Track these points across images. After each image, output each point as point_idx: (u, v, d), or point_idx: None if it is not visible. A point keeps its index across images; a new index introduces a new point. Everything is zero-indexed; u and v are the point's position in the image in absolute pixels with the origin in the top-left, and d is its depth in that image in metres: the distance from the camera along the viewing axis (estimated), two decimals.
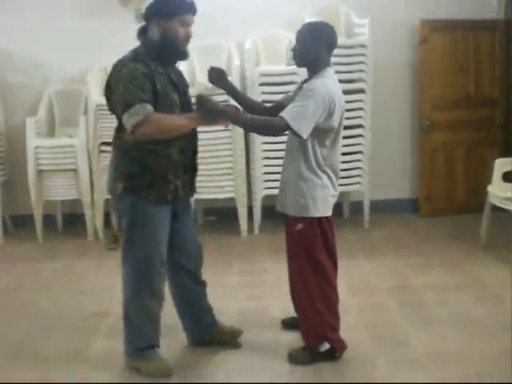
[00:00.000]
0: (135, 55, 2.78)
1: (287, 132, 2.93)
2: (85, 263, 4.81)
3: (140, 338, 3.03)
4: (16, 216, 5.70)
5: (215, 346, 3.27)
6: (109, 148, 5.06)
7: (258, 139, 5.15)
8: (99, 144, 5.16)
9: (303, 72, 4.89)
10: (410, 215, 5.79)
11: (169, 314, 3.64)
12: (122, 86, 2.67)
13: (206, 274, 4.31)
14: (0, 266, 4.82)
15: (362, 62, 5.17)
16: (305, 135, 2.79)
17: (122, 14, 5.41)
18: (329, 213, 3.01)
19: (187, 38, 2.82)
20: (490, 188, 4.68)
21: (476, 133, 5.67)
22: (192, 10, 2.78)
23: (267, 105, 3.39)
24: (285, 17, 5.42)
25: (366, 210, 5.49)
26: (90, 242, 5.35)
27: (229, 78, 3.23)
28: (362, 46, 5.15)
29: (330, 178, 2.96)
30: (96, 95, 5.17)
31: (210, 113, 2.76)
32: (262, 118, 2.92)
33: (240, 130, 5.12)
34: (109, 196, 5.12)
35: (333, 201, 3.04)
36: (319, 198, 2.93)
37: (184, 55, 2.89)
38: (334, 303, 3.09)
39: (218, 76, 3.12)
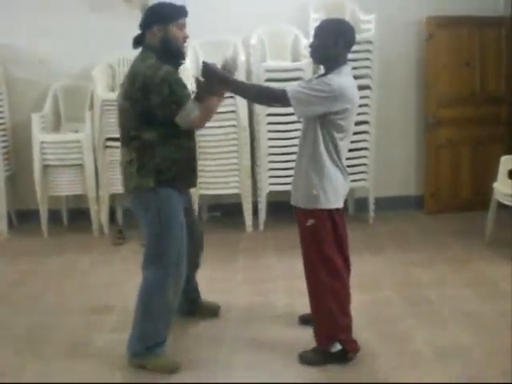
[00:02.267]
0: (159, 59, 2.93)
1: (301, 128, 3.05)
2: (90, 258, 4.83)
3: (155, 334, 3.05)
4: (21, 211, 5.71)
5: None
6: (115, 143, 5.12)
7: (263, 135, 5.15)
8: (105, 139, 5.16)
9: (309, 68, 4.96)
10: (414, 212, 5.78)
11: None
12: (168, 87, 2.84)
13: (211, 271, 4.35)
14: (5, 261, 4.84)
15: (367, 59, 5.15)
16: (297, 115, 2.90)
17: (128, 10, 5.41)
18: (339, 204, 3.00)
19: (184, 39, 3.04)
20: (495, 185, 4.67)
21: (482, 130, 5.65)
22: (185, 13, 3.03)
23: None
24: (291, 12, 5.42)
25: (371, 206, 5.49)
26: (95, 238, 5.36)
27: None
28: (368, 42, 5.12)
29: (340, 170, 2.96)
30: (102, 91, 5.18)
31: (212, 79, 2.91)
32: (263, 86, 2.98)
33: (245, 124, 5.12)
34: (115, 191, 5.20)
35: (344, 193, 3.03)
36: (330, 190, 2.92)
37: (183, 56, 3.10)
38: (346, 303, 3.06)
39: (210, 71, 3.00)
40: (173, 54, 3.00)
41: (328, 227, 2.96)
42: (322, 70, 3.14)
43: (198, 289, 3.59)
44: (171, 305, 3.06)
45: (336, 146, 2.91)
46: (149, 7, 3.04)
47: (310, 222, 2.95)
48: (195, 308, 3.58)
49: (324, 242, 2.96)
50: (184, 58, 3.11)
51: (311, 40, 3.01)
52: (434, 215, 5.66)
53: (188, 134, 3.06)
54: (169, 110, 2.87)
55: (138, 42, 3.07)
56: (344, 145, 2.96)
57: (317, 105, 2.80)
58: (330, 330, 3.01)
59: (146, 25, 3.01)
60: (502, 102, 5.69)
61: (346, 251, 3.09)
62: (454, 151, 5.69)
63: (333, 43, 2.87)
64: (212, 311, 3.62)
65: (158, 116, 2.89)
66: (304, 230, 3.01)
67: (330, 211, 2.96)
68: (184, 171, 3.06)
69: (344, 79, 2.87)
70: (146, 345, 3.05)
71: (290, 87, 2.85)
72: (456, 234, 5.11)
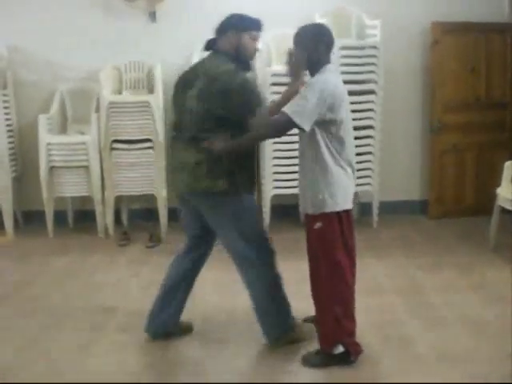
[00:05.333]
0: (235, 64, 3.04)
1: (297, 133, 3.00)
2: (95, 259, 4.85)
3: (285, 312, 3.30)
4: (27, 212, 5.75)
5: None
6: (120, 145, 5.17)
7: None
8: (111, 141, 5.19)
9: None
10: (419, 217, 5.81)
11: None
12: (242, 95, 2.94)
13: (215, 274, 4.36)
14: (11, 261, 4.87)
15: (372, 64, 5.18)
16: (306, 127, 2.83)
17: (135, 13, 5.46)
18: (348, 206, 3.01)
19: (255, 51, 3.16)
20: (498, 190, 4.68)
21: (486, 135, 5.67)
22: (261, 27, 3.16)
23: None
24: (296, 18, 5.34)
25: (375, 210, 5.51)
26: (101, 239, 5.39)
27: None
28: (373, 47, 5.15)
29: (345, 170, 2.97)
30: (108, 93, 5.20)
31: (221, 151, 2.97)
32: (262, 122, 2.96)
33: None
34: (120, 193, 5.20)
35: (351, 194, 3.03)
36: (337, 192, 2.94)
37: (250, 67, 3.19)
38: (351, 306, 3.07)
39: None
40: (242, 61, 3.09)
41: (337, 230, 2.97)
42: None
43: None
44: (281, 283, 3.30)
45: (336, 146, 2.92)
46: (228, 15, 3.15)
47: (318, 225, 2.96)
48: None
49: (333, 246, 2.97)
50: (250, 69, 3.18)
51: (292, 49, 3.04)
52: (438, 220, 5.67)
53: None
54: (242, 115, 2.95)
55: (209, 46, 3.17)
56: (345, 142, 2.96)
57: (314, 108, 2.81)
58: (334, 333, 3.02)
59: (221, 30, 3.11)
60: (507, 108, 5.70)
61: (352, 254, 3.10)
62: (459, 156, 5.71)
63: (313, 49, 2.94)
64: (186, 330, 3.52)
65: (230, 119, 2.95)
66: (312, 234, 3.01)
67: (338, 213, 2.97)
68: (249, 176, 3.13)
69: (326, 76, 2.92)
70: (284, 325, 3.28)
71: (284, 108, 2.87)
72: (460, 238, 5.13)
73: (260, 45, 3.19)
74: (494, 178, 4.93)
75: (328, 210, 2.95)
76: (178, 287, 3.33)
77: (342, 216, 3.00)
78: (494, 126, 5.69)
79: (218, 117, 2.96)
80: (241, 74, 2.98)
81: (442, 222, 5.62)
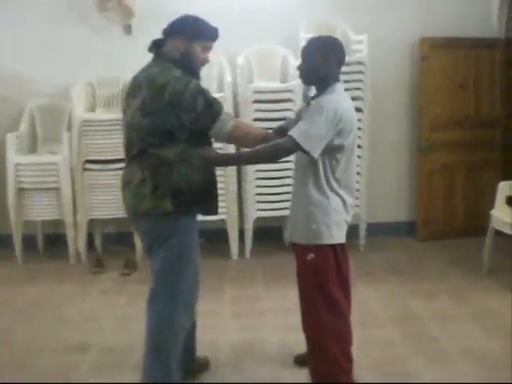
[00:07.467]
0: (182, 72, 2.70)
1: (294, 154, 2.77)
2: (66, 288, 4.53)
3: (170, 370, 2.78)
4: None
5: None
6: (94, 166, 4.91)
7: None
8: (83, 162, 4.91)
9: (299, 89, 4.78)
10: (407, 239, 5.59)
11: None
12: (204, 101, 2.64)
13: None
14: None
15: (359, 80, 4.98)
16: (316, 154, 2.58)
17: (109, 25, 5.22)
18: (343, 239, 2.76)
19: (204, 62, 2.83)
20: (492, 212, 4.49)
21: (475, 154, 5.50)
22: (215, 37, 2.82)
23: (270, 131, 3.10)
24: (280, 32, 5.25)
25: (363, 233, 5.28)
26: (72, 265, 5.08)
27: None
28: (360, 63, 4.96)
29: (343, 200, 2.72)
30: (81, 111, 4.94)
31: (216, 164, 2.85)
32: (267, 146, 2.67)
33: (231, 149, 4.90)
34: (94, 217, 4.91)
35: (346, 226, 2.79)
36: (333, 223, 2.69)
37: (197, 77, 2.81)
38: (348, 343, 2.82)
39: None
40: (189, 71, 2.72)
41: (331, 264, 2.72)
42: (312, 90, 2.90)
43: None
44: (180, 342, 2.80)
45: (336, 173, 2.68)
46: (183, 16, 2.78)
47: (311, 256, 2.70)
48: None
49: (327, 280, 2.72)
50: (197, 78, 2.81)
51: (299, 61, 2.79)
52: (426, 242, 5.46)
53: None
54: (203, 123, 2.66)
55: (154, 47, 2.82)
56: (348, 168, 2.72)
57: (325, 134, 2.56)
58: (331, 374, 2.76)
59: (171, 32, 2.76)
60: (496, 125, 5.55)
61: (348, 290, 2.85)
62: (448, 176, 5.53)
63: (322, 63, 2.68)
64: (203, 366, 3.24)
65: (182, 132, 2.64)
66: (304, 266, 2.75)
67: (333, 246, 2.72)
68: (203, 194, 2.77)
69: (338, 99, 2.66)
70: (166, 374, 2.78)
71: (291, 131, 2.61)
72: (452, 262, 4.91)
73: (211, 56, 2.84)
74: (484, 198, 4.77)
75: (322, 242, 2.70)
76: None
77: (337, 249, 2.75)
78: (483, 144, 5.52)
79: (165, 131, 2.64)
80: (192, 81, 2.64)
81: (430, 244, 5.40)
